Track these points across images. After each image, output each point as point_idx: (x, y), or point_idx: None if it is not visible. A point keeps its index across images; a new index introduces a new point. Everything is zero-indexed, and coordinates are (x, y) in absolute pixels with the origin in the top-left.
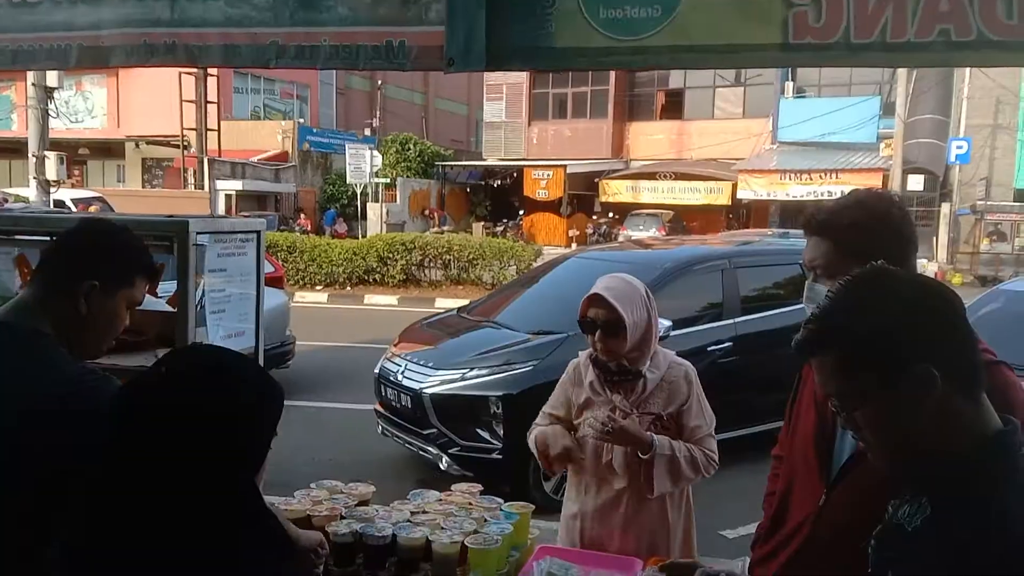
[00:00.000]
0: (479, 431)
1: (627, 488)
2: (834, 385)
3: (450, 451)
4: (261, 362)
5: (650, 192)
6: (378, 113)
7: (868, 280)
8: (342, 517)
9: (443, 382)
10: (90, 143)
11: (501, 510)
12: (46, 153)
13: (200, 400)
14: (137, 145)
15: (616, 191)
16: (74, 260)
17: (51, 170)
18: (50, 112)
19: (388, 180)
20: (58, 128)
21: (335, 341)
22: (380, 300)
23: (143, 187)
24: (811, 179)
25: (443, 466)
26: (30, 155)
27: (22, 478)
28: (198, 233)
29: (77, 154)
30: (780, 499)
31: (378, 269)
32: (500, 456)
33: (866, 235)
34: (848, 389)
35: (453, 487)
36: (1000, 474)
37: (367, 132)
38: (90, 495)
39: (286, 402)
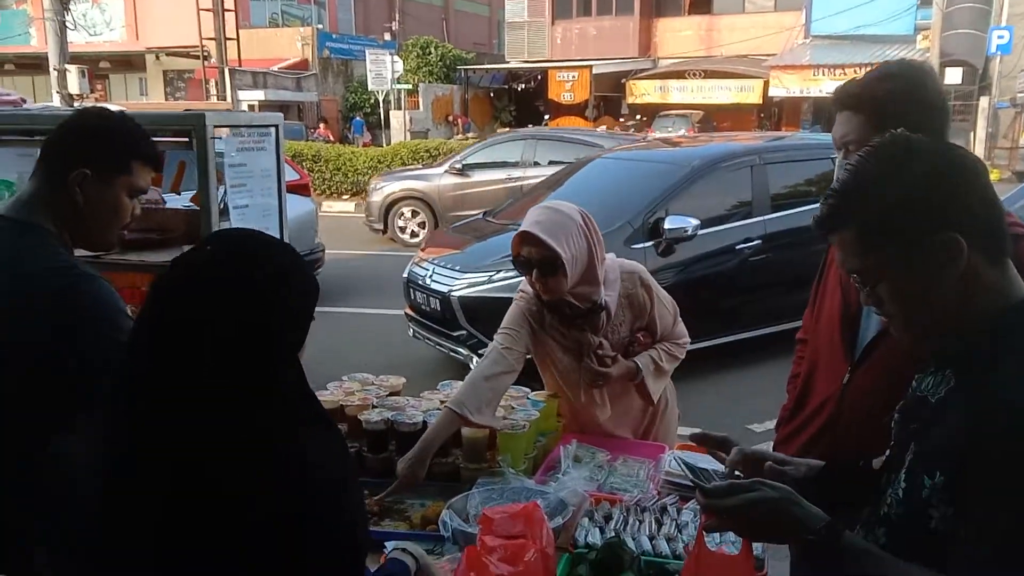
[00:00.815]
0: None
1: (613, 407)
2: (857, 260)
3: (480, 351)
4: None
5: (679, 92)
6: (397, 16)
7: (888, 149)
8: (373, 406)
9: (470, 285)
10: (110, 56)
11: (527, 398)
12: (67, 67)
13: (247, 276)
14: (157, 57)
15: (644, 92)
16: (66, 149)
17: (73, 84)
18: (67, 24)
19: (410, 86)
20: (77, 42)
21: (363, 249)
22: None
23: (165, 100)
24: (845, 74)
25: (472, 366)
26: (51, 69)
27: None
28: (215, 127)
29: (98, 68)
30: (804, 380)
31: None
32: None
33: (899, 106)
34: (870, 263)
35: None
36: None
37: (387, 37)
38: (134, 389)
39: (317, 308)
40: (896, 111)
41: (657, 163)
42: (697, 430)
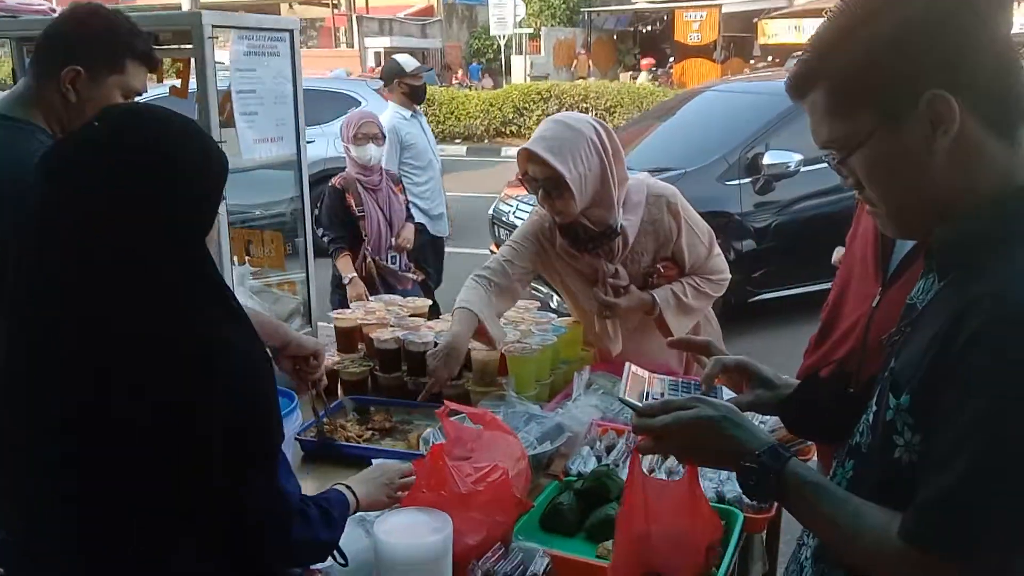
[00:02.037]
0: None
1: (626, 342)
2: (826, 128)
3: None
4: (305, 172)
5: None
6: None
7: None
8: (390, 326)
9: None
10: (247, 5)
11: (551, 324)
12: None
13: (135, 154)
14: (291, 6)
15: (777, 32)
16: (57, 46)
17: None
18: None
19: (532, 30)
20: None
21: (468, 192)
22: (516, 152)
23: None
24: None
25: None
26: None
27: None
28: (214, 26)
29: None
30: (832, 304)
31: (514, 120)
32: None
33: None
34: (841, 131)
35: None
36: (1020, 233)
37: None
38: (22, 263)
39: None
40: None
41: (758, 94)
42: None
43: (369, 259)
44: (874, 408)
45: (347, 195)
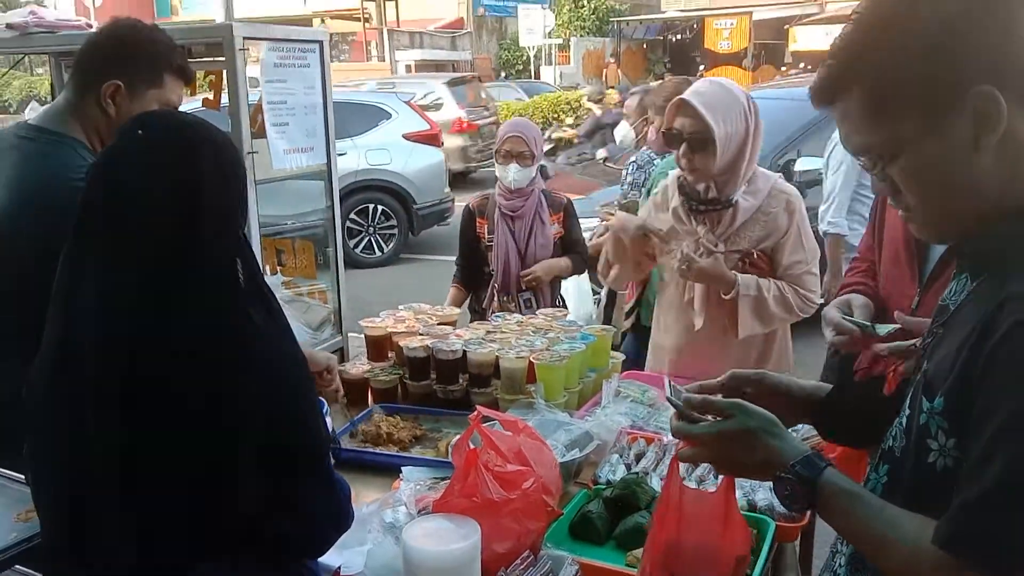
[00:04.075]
0: None
1: (708, 328)
2: (864, 136)
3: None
4: (335, 182)
5: None
6: None
7: None
8: (420, 334)
9: (584, 230)
10: (280, 20)
11: (579, 332)
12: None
13: (172, 158)
14: (323, 21)
15: (808, 38)
16: (98, 61)
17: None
18: None
19: (561, 41)
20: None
21: None
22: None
23: (331, 62)
24: None
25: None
26: None
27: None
28: (245, 38)
29: None
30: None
31: (543, 130)
32: None
33: None
34: (882, 137)
35: (538, 311)
36: None
37: None
38: (71, 271)
39: (444, 257)
40: None
41: (790, 101)
42: None
43: (496, 298)
44: (907, 411)
45: (478, 219)
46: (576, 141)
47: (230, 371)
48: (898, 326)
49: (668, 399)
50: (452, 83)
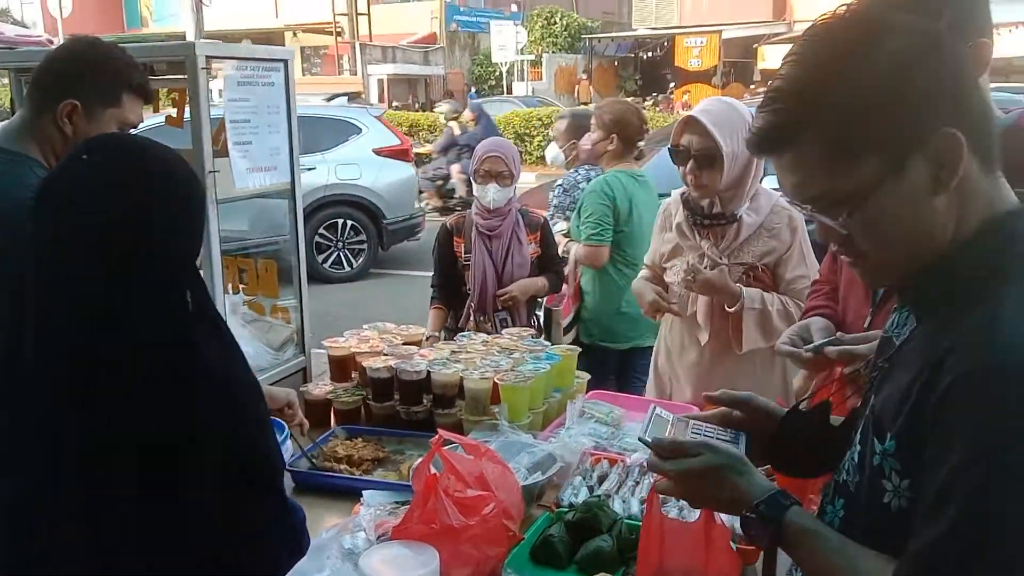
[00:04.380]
0: None
1: (712, 342)
2: (820, 184)
3: None
4: (299, 201)
5: None
6: None
7: (847, 25)
8: (384, 355)
9: None
10: (252, 33)
11: (544, 352)
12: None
13: (118, 184)
14: (295, 34)
15: (776, 57)
16: (53, 80)
17: None
18: (204, 2)
19: (533, 57)
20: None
21: None
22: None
23: (302, 75)
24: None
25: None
26: None
27: None
28: (208, 57)
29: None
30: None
31: (516, 146)
32: None
33: None
34: (843, 183)
35: (504, 331)
36: (1002, 268)
37: (513, 8)
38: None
39: (414, 273)
40: None
41: None
42: None
43: (472, 318)
44: (858, 447)
45: (455, 238)
46: (433, 156)
47: (173, 388)
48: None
49: (640, 439)
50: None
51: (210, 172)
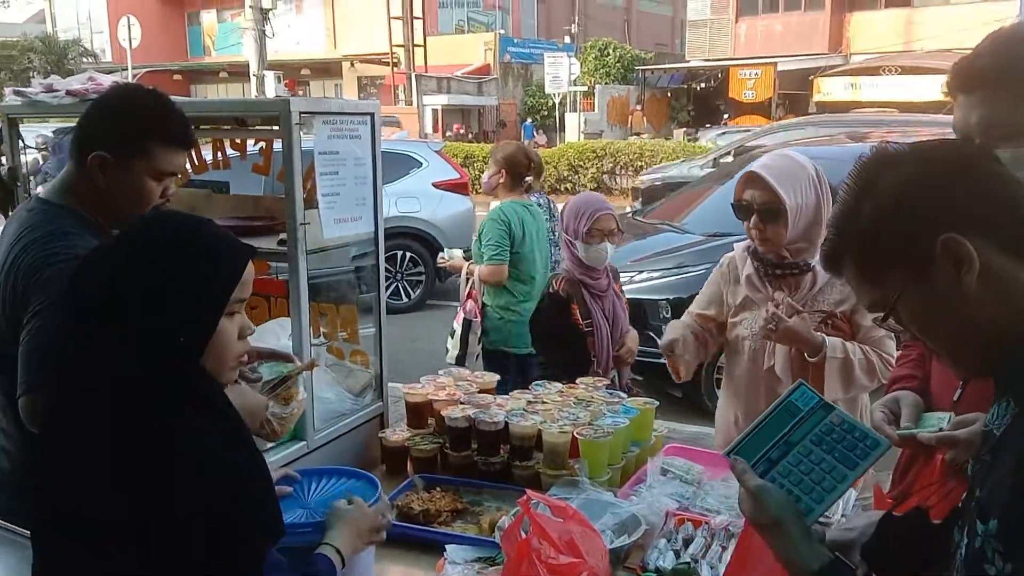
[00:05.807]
0: (649, 334)
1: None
2: (866, 296)
3: None
4: (381, 248)
5: (871, 89)
6: (576, 19)
7: (861, 166)
8: (460, 403)
9: None
10: (310, 63)
11: (621, 405)
12: (264, 72)
13: (130, 262)
14: (352, 64)
15: (832, 89)
16: (87, 131)
17: (270, 88)
18: (267, 33)
19: (586, 88)
20: (282, 51)
21: None
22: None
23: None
24: None
25: None
26: (251, 75)
27: None
28: (300, 112)
29: (300, 75)
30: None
31: (569, 177)
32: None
33: None
34: (880, 294)
35: (578, 380)
36: None
37: (567, 40)
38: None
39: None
40: None
41: (835, 160)
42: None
43: None
44: (965, 539)
45: (573, 305)
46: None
47: (161, 480)
48: (944, 418)
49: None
50: None
51: (301, 224)
